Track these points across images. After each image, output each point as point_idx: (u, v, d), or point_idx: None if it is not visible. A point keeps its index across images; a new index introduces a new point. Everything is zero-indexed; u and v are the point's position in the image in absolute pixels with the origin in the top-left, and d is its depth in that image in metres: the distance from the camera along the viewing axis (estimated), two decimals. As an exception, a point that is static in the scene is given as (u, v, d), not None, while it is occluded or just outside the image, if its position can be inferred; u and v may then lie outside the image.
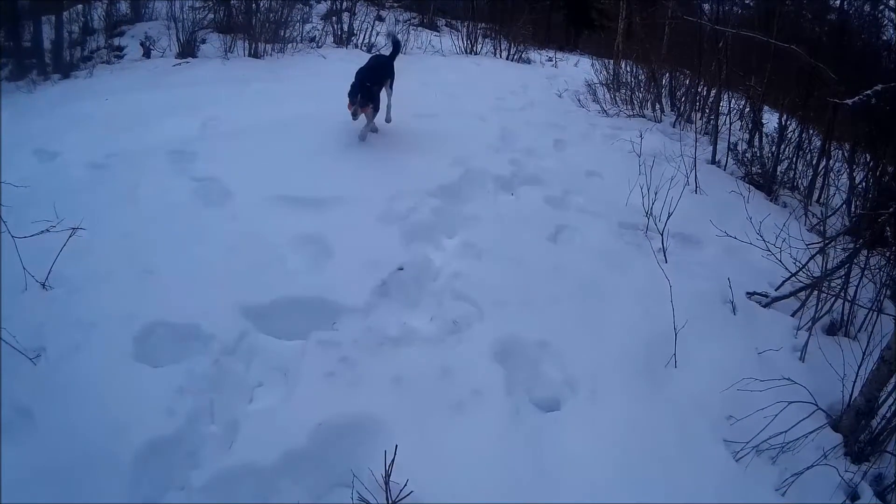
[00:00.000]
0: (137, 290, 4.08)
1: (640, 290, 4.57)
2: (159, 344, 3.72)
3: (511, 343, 3.92)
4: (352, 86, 6.19)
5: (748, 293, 4.82)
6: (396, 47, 7.65)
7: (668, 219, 5.17)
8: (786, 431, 3.42)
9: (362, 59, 11.53)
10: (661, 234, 5.06)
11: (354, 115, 6.13)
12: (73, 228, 4.29)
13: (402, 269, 4.48)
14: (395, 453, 2.76)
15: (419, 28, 15.45)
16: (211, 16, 12.14)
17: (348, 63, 10.48)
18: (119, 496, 2.86)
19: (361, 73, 6.45)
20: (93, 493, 2.87)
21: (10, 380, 3.40)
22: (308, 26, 12.65)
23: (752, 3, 10.70)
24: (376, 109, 6.48)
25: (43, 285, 4.14)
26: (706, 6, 9.62)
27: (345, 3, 13.53)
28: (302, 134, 6.56)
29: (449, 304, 4.26)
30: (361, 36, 12.48)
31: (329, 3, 13.98)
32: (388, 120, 7.01)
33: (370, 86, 6.23)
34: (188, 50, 10.92)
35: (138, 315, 3.83)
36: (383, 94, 6.88)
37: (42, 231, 4.20)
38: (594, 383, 3.72)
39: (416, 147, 6.53)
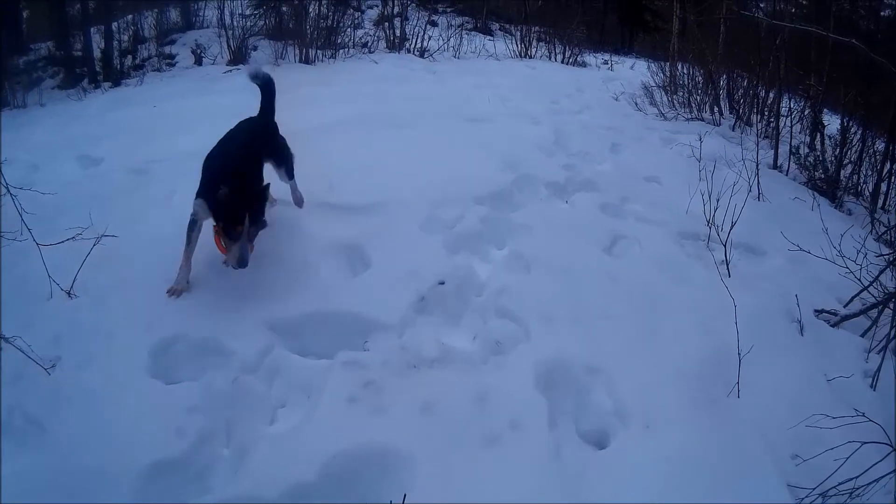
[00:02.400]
0: (160, 301, 3.92)
1: (701, 306, 4.13)
2: (177, 358, 3.57)
3: (557, 367, 3.52)
4: (198, 201, 4.08)
5: (816, 311, 4.34)
6: (268, 92, 5.07)
7: (731, 228, 4.75)
8: (856, 477, 2.96)
9: (414, 64, 11.57)
10: (725, 246, 4.64)
11: (238, 263, 3.75)
12: (99, 236, 4.20)
13: (443, 282, 4.13)
14: (405, 500, 2.49)
15: (472, 32, 15.14)
16: (262, 23, 12.02)
17: (400, 68, 10.49)
18: None
19: (216, 163, 4.22)
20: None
21: (23, 389, 3.34)
22: (360, 32, 12.48)
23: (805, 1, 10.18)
24: (260, 227, 3.94)
25: (68, 293, 4.05)
26: (762, 4, 9.15)
27: (396, 9, 13.29)
28: (346, 138, 6.38)
29: (493, 322, 3.89)
30: (414, 41, 12.17)
31: (381, 8, 13.72)
32: (298, 202, 5.00)
33: (238, 188, 3.79)
34: (239, 57, 10.95)
35: (158, 327, 3.68)
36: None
37: (69, 239, 4.14)
38: (648, 414, 3.29)
39: (465, 152, 6.14)
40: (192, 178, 5.41)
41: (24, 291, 4.13)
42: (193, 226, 4.10)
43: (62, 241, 4.13)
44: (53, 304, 3.99)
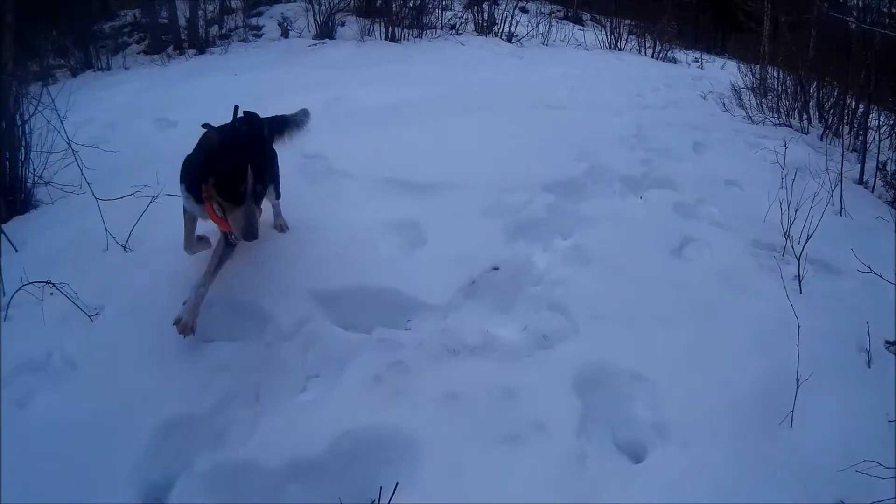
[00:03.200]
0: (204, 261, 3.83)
1: (765, 322, 3.75)
2: (215, 318, 3.52)
3: (600, 370, 3.27)
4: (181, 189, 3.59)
5: (888, 342, 3.85)
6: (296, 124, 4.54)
7: (806, 241, 4.35)
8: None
9: (500, 48, 11.41)
10: (798, 260, 4.24)
11: (246, 234, 3.02)
12: (156, 195, 4.29)
13: (497, 268, 3.94)
14: (395, 490, 2.39)
15: (563, 21, 14.87)
16: (350, -1, 12.07)
17: (486, 51, 10.37)
18: (130, 465, 2.75)
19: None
20: (108, 455, 2.80)
21: (66, 332, 3.43)
22: (449, 13, 12.32)
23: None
24: (268, 184, 3.48)
25: (123, 247, 4.16)
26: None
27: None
28: (424, 117, 6.28)
29: (543, 315, 3.67)
30: (503, 25, 11.95)
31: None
32: (280, 227, 4.25)
33: (231, 131, 3.26)
34: (325, 31, 11.01)
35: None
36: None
37: (127, 195, 4.28)
38: (689, 432, 2.98)
39: (541, 138, 5.92)
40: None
41: (83, 242, 4.24)
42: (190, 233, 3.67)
43: (121, 197, 4.26)
44: (108, 256, 4.10)
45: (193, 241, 3.69)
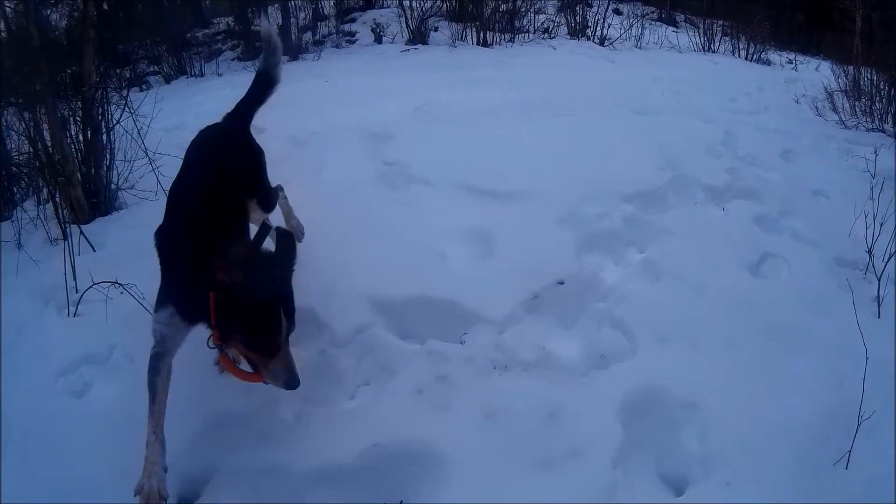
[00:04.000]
0: None
1: (838, 348, 3.42)
2: None
3: (651, 394, 3.08)
4: (164, 314, 2.69)
5: None
6: (264, 86, 3.86)
7: (889, 259, 4.01)
8: None
9: (592, 52, 11.19)
10: (878, 280, 3.90)
11: (291, 384, 2.48)
12: None
13: (562, 282, 3.81)
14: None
15: (657, 22, 14.54)
16: (442, 4, 12.07)
17: (578, 55, 10.21)
18: (173, 456, 2.64)
19: (187, 234, 2.77)
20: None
21: (129, 329, 3.49)
22: (542, 17, 12.18)
23: None
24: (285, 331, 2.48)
25: None
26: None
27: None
28: (510, 122, 6.17)
29: (604, 333, 3.54)
30: (595, 28, 11.75)
31: (566, -6, 13.34)
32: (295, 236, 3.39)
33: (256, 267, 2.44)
34: (418, 37, 11.06)
35: None
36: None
37: None
38: (736, 468, 2.75)
39: (626, 145, 5.72)
40: (345, 153, 5.50)
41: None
42: (159, 364, 2.61)
43: None
44: None
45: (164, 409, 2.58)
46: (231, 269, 2.32)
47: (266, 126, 6.88)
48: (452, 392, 3.08)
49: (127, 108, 5.28)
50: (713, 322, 3.57)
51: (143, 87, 9.56)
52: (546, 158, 5.25)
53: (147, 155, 4.92)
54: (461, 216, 4.43)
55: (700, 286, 3.84)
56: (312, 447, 2.82)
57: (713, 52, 12.30)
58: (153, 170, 4.87)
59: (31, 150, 5.14)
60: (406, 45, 10.84)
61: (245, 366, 2.60)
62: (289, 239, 2.68)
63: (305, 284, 3.70)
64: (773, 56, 12.95)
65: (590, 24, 11.95)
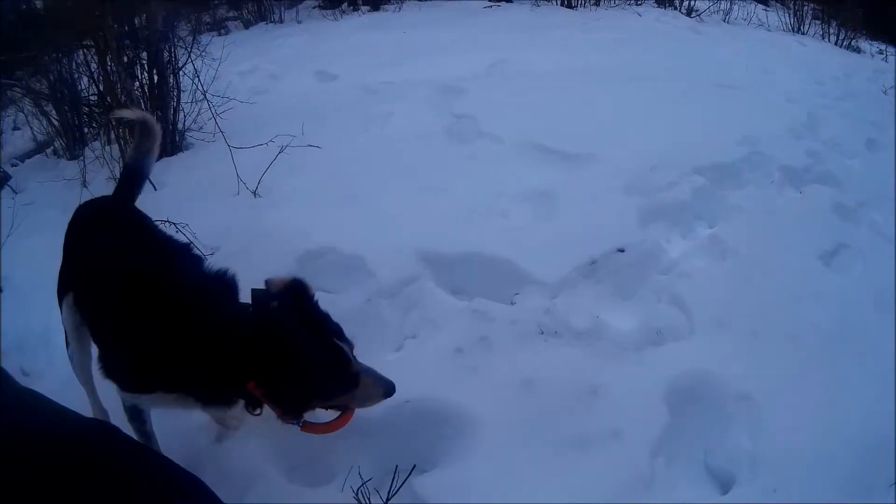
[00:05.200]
0: (328, 212, 3.91)
1: None
2: (321, 268, 3.47)
3: (704, 381, 2.78)
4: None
5: None
6: (130, 180, 2.75)
7: None
8: None
9: (678, 22, 10.64)
10: None
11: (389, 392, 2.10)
12: (284, 146, 4.36)
13: (622, 250, 3.53)
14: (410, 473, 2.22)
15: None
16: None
17: (663, 24, 9.76)
18: None
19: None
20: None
21: None
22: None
23: None
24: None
25: (253, 193, 4.24)
26: None
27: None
28: (586, 85, 5.97)
29: (662, 308, 3.26)
30: (685, -1, 11.18)
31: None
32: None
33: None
34: (503, -7, 10.58)
35: (314, 236, 3.63)
36: None
37: (258, 144, 4.38)
38: (783, 476, 2.42)
39: (705, 116, 5.36)
40: (415, 104, 5.33)
41: (217, 186, 4.37)
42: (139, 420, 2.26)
43: (253, 146, 4.37)
44: (236, 200, 4.20)
45: None
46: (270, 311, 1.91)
47: (339, 73, 6.92)
48: (493, 354, 2.88)
49: (194, 52, 5.29)
50: (777, 311, 3.22)
51: (222, 31, 9.51)
52: (619, 123, 5.00)
53: (206, 98, 4.92)
54: (526, 175, 4.23)
55: (767, 270, 3.50)
56: None
57: (802, 33, 11.62)
58: (213, 115, 4.83)
59: (99, 91, 5.26)
60: (489, 0, 10.53)
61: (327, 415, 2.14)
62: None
63: (356, 232, 3.64)
64: (864, 44, 12.23)
65: (679, -6, 11.43)
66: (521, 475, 2.39)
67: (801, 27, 11.69)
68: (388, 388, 2.04)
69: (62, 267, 2.45)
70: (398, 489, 2.16)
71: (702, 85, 6.20)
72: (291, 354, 1.85)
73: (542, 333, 3.01)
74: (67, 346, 2.48)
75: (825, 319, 3.20)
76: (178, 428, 2.56)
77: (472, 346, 2.91)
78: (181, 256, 2.26)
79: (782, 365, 2.90)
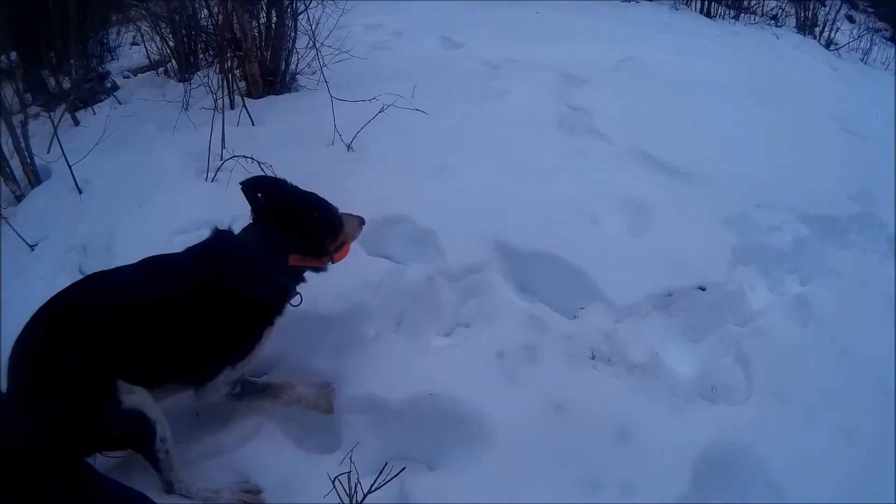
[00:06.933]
0: (414, 180, 3.77)
1: None
2: (391, 236, 3.39)
3: (739, 459, 2.47)
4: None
5: None
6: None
7: None
8: None
9: (816, 52, 9.98)
10: None
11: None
12: (385, 106, 4.27)
13: (703, 288, 3.21)
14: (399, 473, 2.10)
15: (889, 41, 12.95)
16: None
17: (800, 52, 9.08)
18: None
19: None
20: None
21: None
22: (772, 3, 11.05)
23: None
24: None
25: (348, 146, 4.17)
26: None
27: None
28: (709, 99, 5.53)
29: (725, 363, 2.95)
30: (824, 28, 10.49)
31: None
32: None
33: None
34: (645, -9, 10.18)
35: (394, 202, 3.53)
36: None
37: (360, 100, 4.32)
38: None
39: (823, 160, 4.75)
40: (532, 86, 5.09)
41: (312, 133, 4.32)
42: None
43: (357, 101, 4.31)
44: (328, 150, 4.15)
45: None
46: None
47: (464, 42, 6.72)
48: (534, 368, 2.69)
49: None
50: (844, 398, 2.85)
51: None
52: (735, 148, 4.59)
53: (316, 48, 4.89)
54: (627, 183, 3.95)
55: (846, 349, 3.11)
56: (369, 373, 2.62)
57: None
58: (320, 66, 4.78)
59: (216, 24, 5.32)
60: (630, -4, 10.15)
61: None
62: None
63: (436, 206, 3.50)
64: None
65: (819, 24, 10.76)
66: (523, 496, 2.25)
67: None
68: (361, 220, 2.63)
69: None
70: (381, 485, 2.04)
71: (827, 125, 5.70)
72: (299, 214, 2.36)
73: (594, 358, 2.80)
74: (159, 441, 2.21)
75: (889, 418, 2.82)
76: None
77: (516, 353, 2.73)
78: (146, 266, 2.38)
79: (834, 460, 2.59)
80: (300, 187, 2.47)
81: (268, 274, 2.35)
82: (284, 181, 2.48)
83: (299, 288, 2.50)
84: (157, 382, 2.26)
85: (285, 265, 2.37)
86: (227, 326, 2.27)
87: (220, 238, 2.42)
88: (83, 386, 2.05)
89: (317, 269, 2.50)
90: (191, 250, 2.42)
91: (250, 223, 2.43)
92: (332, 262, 2.53)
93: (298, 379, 2.56)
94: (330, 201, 2.53)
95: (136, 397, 2.13)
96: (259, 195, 2.40)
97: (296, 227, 2.36)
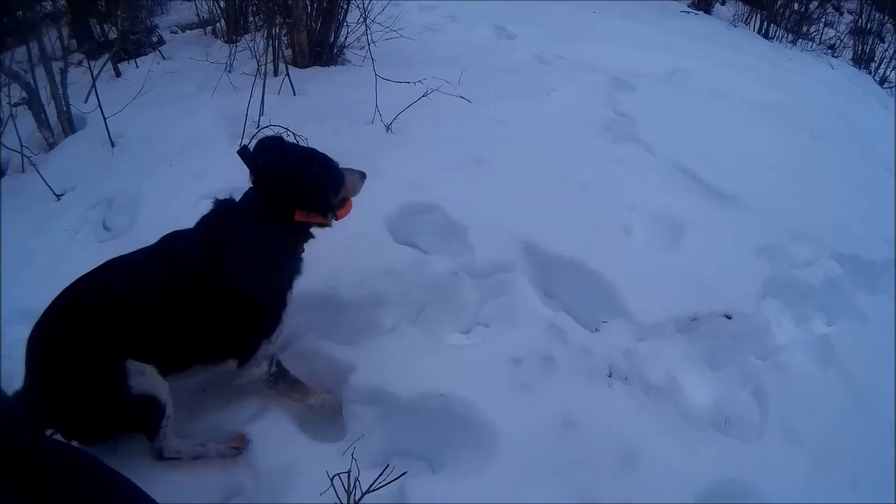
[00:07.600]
0: (449, 170, 3.70)
1: None
2: (420, 225, 3.34)
3: (742, 500, 2.37)
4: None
5: None
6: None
7: None
8: None
9: (868, 89, 9.67)
10: None
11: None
12: (430, 90, 4.22)
13: (729, 317, 3.08)
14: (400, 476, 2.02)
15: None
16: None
17: (854, 87, 8.79)
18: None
19: None
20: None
21: None
22: (831, 32, 10.79)
23: None
24: None
25: (387, 127, 4.14)
26: None
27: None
28: (758, 122, 5.42)
29: (742, 396, 2.84)
30: (881, 65, 10.23)
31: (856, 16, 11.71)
32: None
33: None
34: (703, 2, 10.05)
35: (424, 189, 3.48)
36: None
37: (404, 82, 4.27)
38: None
39: (862, 199, 4.59)
40: (580, 87, 4.97)
41: (353, 110, 4.28)
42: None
43: (399, 82, 4.26)
44: (367, 129, 4.12)
45: None
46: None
47: (517, 34, 6.61)
48: (550, 380, 2.60)
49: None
50: (857, 447, 2.74)
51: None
52: (778, 175, 4.48)
53: (365, 21, 4.83)
54: (665, 197, 3.85)
55: (862, 396, 2.97)
56: (381, 365, 2.55)
57: None
58: (368, 42, 4.70)
59: None
60: (689, 7, 9.97)
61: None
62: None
63: (468, 199, 3.42)
64: None
65: (875, 59, 10.49)
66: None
67: None
68: (362, 174, 2.56)
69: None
70: (380, 487, 1.97)
71: (871, 164, 5.54)
72: (300, 168, 2.32)
73: (610, 376, 2.71)
74: (166, 419, 2.19)
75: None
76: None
77: (533, 362, 2.64)
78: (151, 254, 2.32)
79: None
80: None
81: (278, 235, 2.34)
82: (281, 138, 2.49)
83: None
84: (185, 366, 2.26)
85: (292, 222, 2.33)
86: (250, 298, 2.22)
87: (226, 207, 2.36)
88: (97, 372, 2.02)
89: (321, 225, 2.46)
90: (200, 224, 2.37)
91: (250, 188, 2.37)
92: (336, 219, 2.49)
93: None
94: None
95: (146, 380, 2.09)
96: (258, 160, 2.35)
97: (297, 183, 2.32)
